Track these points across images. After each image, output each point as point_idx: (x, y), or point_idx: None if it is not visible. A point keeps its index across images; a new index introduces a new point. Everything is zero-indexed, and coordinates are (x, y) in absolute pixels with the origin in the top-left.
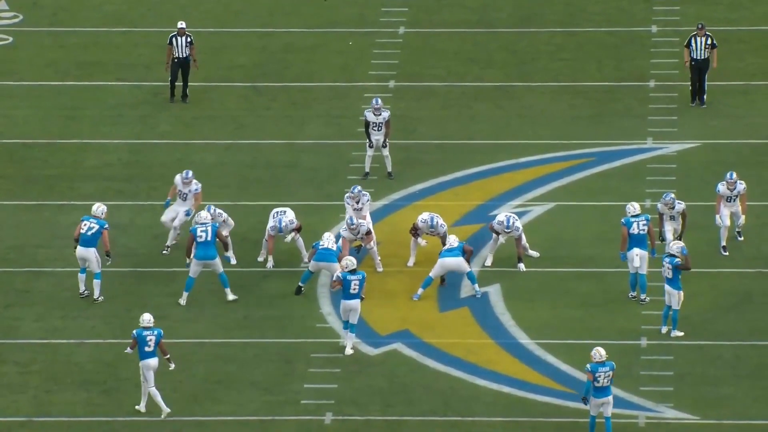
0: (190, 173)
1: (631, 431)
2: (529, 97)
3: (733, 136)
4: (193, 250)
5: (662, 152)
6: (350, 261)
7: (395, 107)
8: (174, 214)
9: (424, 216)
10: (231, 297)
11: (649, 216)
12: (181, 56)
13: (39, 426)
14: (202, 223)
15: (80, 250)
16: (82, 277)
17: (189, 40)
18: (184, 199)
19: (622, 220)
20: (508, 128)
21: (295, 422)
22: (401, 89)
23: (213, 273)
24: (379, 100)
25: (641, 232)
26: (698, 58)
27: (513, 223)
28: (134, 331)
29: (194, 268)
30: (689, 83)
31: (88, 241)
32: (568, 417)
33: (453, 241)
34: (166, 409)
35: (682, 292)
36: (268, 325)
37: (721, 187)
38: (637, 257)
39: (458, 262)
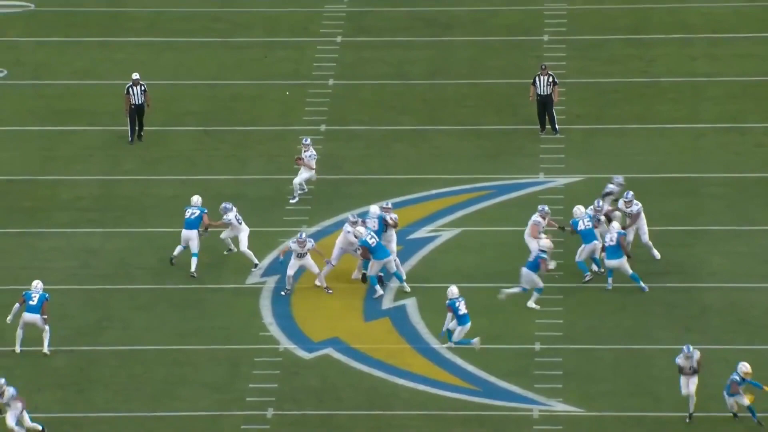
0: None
1: (527, 422)
2: (439, 138)
3: (612, 171)
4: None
5: (552, 185)
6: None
7: (325, 147)
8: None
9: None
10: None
11: (591, 214)
12: (137, 103)
13: None
14: (367, 234)
15: (185, 232)
16: (180, 248)
17: (143, 88)
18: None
19: (571, 222)
20: (422, 165)
21: (242, 417)
22: (331, 132)
23: (174, 289)
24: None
25: (587, 227)
26: (542, 93)
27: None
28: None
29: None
30: (572, 126)
31: (191, 224)
32: (474, 411)
33: (541, 246)
34: (17, 349)
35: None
36: (217, 333)
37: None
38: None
39: (528, 274)
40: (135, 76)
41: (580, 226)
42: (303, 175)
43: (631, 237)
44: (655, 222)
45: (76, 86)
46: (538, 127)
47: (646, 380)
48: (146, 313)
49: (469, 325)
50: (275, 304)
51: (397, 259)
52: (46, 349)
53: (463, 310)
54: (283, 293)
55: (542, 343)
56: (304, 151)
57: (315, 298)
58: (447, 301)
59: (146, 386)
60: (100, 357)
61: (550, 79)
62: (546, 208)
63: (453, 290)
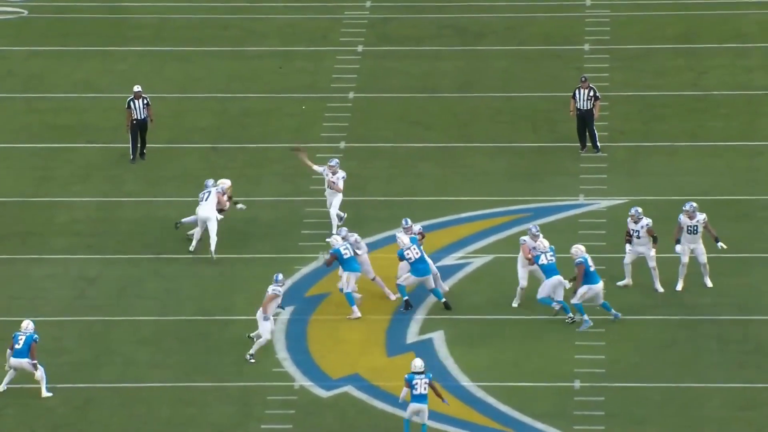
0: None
1: None
2: (469, 156)
3: (658, 193)
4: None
5: (593, 208)
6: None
7: (346, 166)
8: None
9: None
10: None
11: (554, 247)
12: (139, 118)
13: None
14: (342, 245)
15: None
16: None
17: (146, 102)
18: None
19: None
20: (450, 185)
21: None
22: (351, 150)
23: (179, 321)
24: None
25: (549, 261)
26: (582, 108)
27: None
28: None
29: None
30: (616, 143)
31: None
32: None
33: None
34: (2, 387)
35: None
36: (227, 369)
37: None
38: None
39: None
40: (137, 88)
41: (542, 261)
42: (334, 201)
43: (653, 253)
44: (707, 249)
45: (74, 99)
46: (578, 144)
47: (696, 422)
48: (149, 347)
49: (422, 407)
50: (290, 337)
51: (438, 275)
52: (45, 393)
53: (419, 390)
54: (251, 361)
55: (583, 381)
56: (333, 173)
57: (333, 331)
58: (406, 375)
59: (149, 427)
60: (98, 395)
61: (591, 93)
62: (533, 228)
63: (416, 363)
